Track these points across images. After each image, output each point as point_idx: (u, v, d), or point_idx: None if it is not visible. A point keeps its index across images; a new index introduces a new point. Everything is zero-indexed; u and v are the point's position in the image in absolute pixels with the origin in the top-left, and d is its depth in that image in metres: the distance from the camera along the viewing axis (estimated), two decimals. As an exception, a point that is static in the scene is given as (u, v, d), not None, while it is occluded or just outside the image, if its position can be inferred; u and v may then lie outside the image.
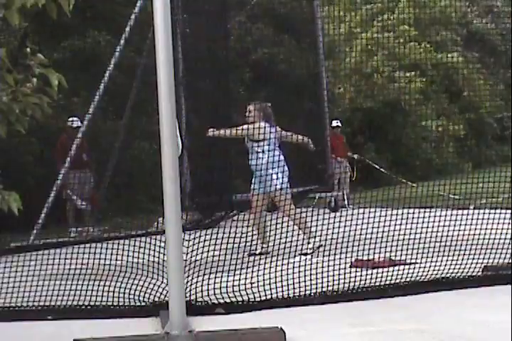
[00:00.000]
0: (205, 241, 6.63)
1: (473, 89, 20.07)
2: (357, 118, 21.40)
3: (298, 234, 8.27)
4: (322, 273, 6.49)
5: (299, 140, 9.05)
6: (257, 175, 8.55)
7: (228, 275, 6.65)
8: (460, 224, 7.39)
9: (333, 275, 6.47)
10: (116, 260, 6.89)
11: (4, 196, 3.27)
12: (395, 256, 7.21)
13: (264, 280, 6.40)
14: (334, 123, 14.86)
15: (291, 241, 7.52)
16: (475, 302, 6.00)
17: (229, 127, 8.93)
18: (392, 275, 6.54)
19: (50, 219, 10.65)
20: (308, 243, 8.29)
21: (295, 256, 7.77)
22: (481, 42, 25.82)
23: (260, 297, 6.11)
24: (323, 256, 7.24)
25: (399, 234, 7.22)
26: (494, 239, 7.27)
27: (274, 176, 8.51)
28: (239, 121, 14.12)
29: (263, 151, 8.58)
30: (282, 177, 8.53)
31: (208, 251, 6.70)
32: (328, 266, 6.59)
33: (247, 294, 6.13)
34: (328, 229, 7.17)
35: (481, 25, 25.20)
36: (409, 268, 6.66)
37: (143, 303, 5.99)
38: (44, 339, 5.42)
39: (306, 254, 8.09)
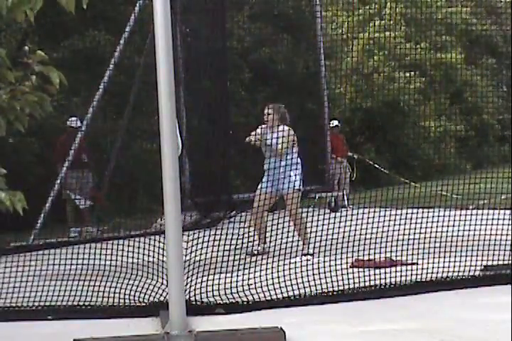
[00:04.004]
0: (203, 242, 6.62)
1: (474, 90, 20.07)
2: (357, 118, 21.37)
3: (299, 235, 8.29)
4: (322, 273, 6.49)
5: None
6: (277, 177, 8.48)
7: (226, 277, 6.64)
8: (460, 225, 7.39)
9: (333, 276, 6.47)
10: (117, 260, 6.89)
11: (10, 196, 3.27)
12: (396, 256, 7.21)
13: (261, 281, 6.40)
14: (333, 122, 14.85)
15: (292, 242, 7.52)
16: (475, 302, 6.00)
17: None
18: (392, 276, 6.54)
19: (50, 219, 10.64)
20: (303, 249, 8.26)
21: (295, 256, 7.77)
22: (483, 42, 25.78)
23: (260, 297, 6.10)
24: (324, 256, 7.24)
25: (399, 234, 7.23)
26: (495, 240, 7.27)
27: (297, 177, 8.52)
28: (239, 121, 14.08)
29: (288, 153, 8.56)
30: (300, 180, 8.55)
31: (207, 252, 6.70)
32: (329, 266, 6.59)
33: (247, 294, 6.13)
34: (328, 229, 7.17)
35: (482, 25, 25.17)
36: (408, 269, 6.66)
37: (143, 303, 5.98)
38: (44, 339, 5.42)
39: (306, 255, 8.08)
